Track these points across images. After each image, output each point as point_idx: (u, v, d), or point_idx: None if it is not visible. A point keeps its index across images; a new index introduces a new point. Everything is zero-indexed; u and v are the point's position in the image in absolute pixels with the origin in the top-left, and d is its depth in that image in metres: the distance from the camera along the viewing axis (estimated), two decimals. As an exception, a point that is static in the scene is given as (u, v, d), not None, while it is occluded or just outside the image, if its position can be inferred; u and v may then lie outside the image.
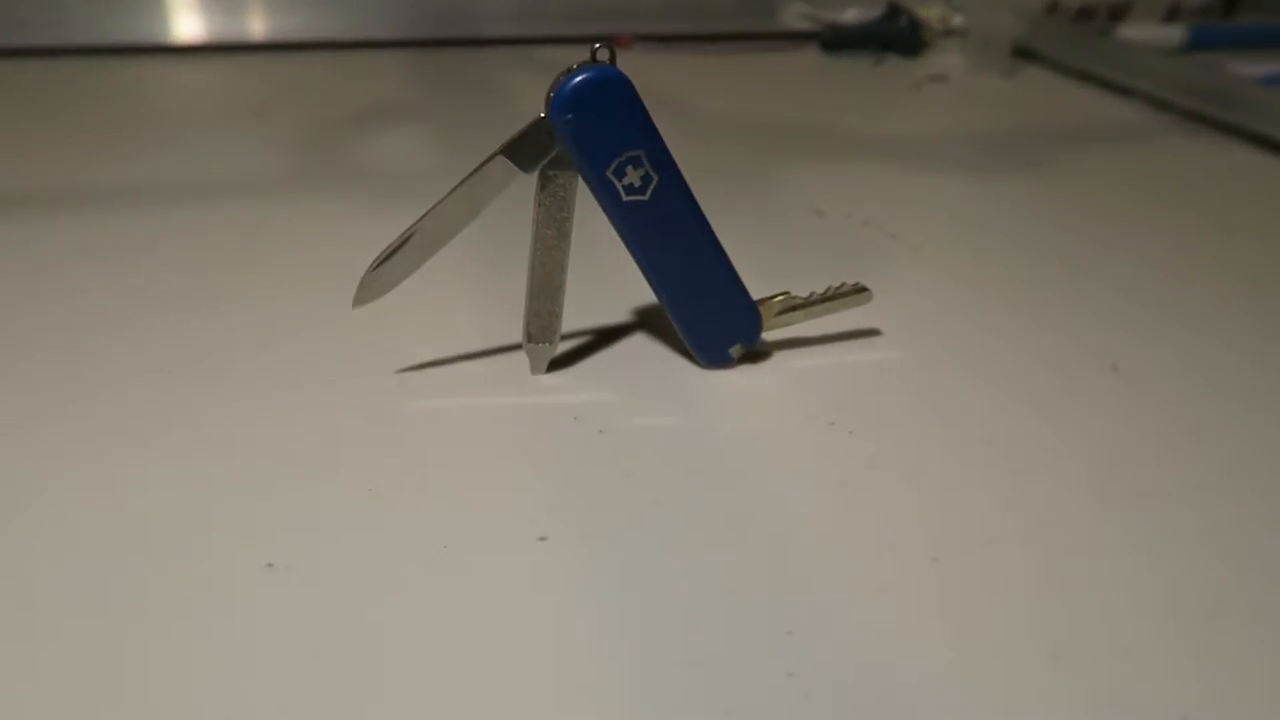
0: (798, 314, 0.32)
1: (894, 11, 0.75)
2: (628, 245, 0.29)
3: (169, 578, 0.22)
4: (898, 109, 0.64)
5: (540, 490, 0.26)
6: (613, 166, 0.27)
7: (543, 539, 0.24)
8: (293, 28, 0.74)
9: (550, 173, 0.28)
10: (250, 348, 0.31)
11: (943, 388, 0.31)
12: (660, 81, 0.67)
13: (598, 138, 0.27)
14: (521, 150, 0.27)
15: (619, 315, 0.34)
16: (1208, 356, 0.33)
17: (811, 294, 0.32)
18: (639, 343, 0.33)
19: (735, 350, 0.31)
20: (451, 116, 0.59)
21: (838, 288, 0.32)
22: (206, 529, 0.24)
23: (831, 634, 0.21)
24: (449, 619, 0.21)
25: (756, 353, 0.32)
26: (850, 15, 0.80)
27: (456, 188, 0.27)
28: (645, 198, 0.28)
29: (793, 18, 0.82)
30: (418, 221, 0.27)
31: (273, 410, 0.28)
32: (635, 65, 0.76)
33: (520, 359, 0.31)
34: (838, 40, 0.75)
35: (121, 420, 0.27)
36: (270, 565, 0.22)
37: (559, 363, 0.31)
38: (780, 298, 0.31)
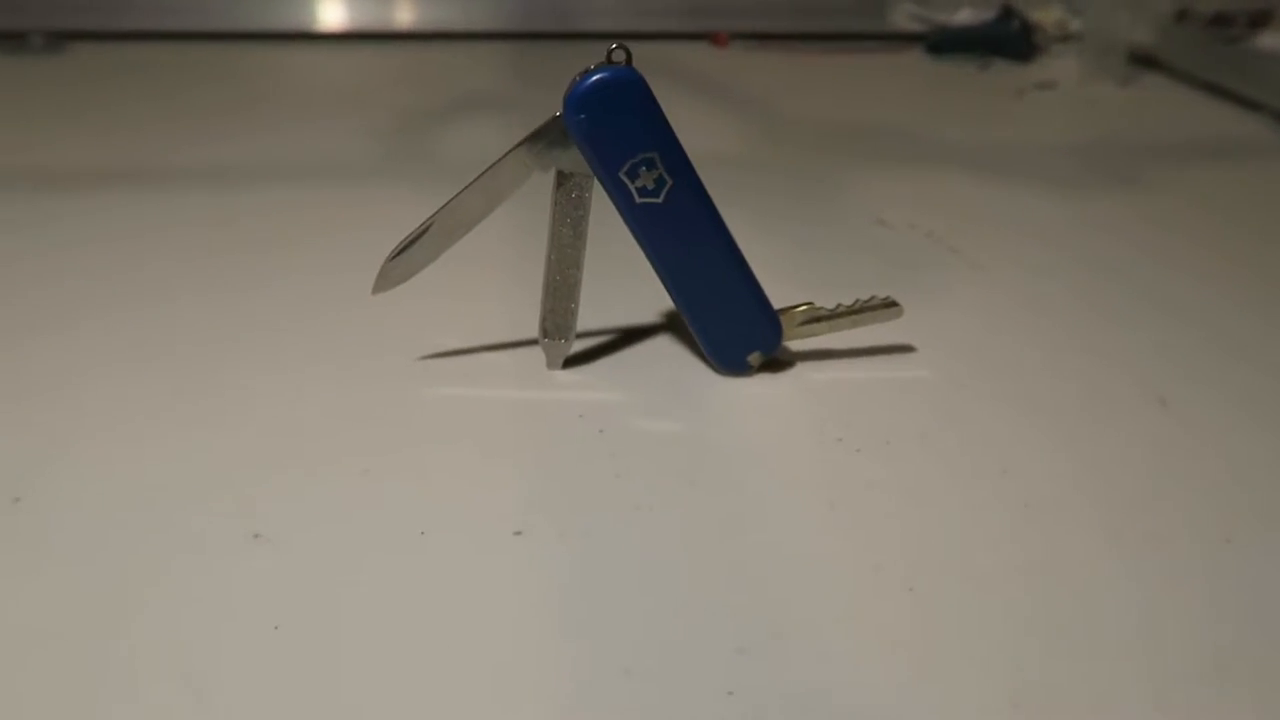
0: (822, 325, 0.31)
1: (1007, 14, 0.72)
2: (642, 247, 0.29)
3: (166, 536, 0.23)
4: (995, 116, 0.61)
5: (528, 485, 0.26)
6: (626, 168, 0.27)
7: (518, 533, 0.24)
8: (409, 19, 0.77)
9: (566, 172, 0.28)
10: (286, 327, 0.33)
11: (968, 412, 0.30)
12: (750, 79, 0.67)
13: (610, 139, 0.27)
14: (537, 148, 0.27)
15: (644, 315, 0.34)
16: (1271, 403, 0.30)
17: (838, 306, 0.31)
18: (660, 344, 0.33)
19: (754, 358, 0.31)
20: (535, 109, 0.60)
21: (867, 300, 0.31)
22: (207, 496, 0.25)
23: (784, 656, 0.21)
24: (407, 604, 0.22)
25: (778, 361, 0.32)
26: (963, 16, 0.77)
27: (474, 181, 0.28)
28: (659, 200, 0.28)
29: (902, 18, 0.80)
30: (436, 213, 0.28)
31: (293, 388, 0.29)
32: (727, 63, 0.76)
33: (541, 354, 0.31)
34: (944, 42, 0.73)
35: (152, 391, 0.29)
36: (257, 535, 0.24)
37: (578, 360, 0.31)
38: (804, 308, 0.31)
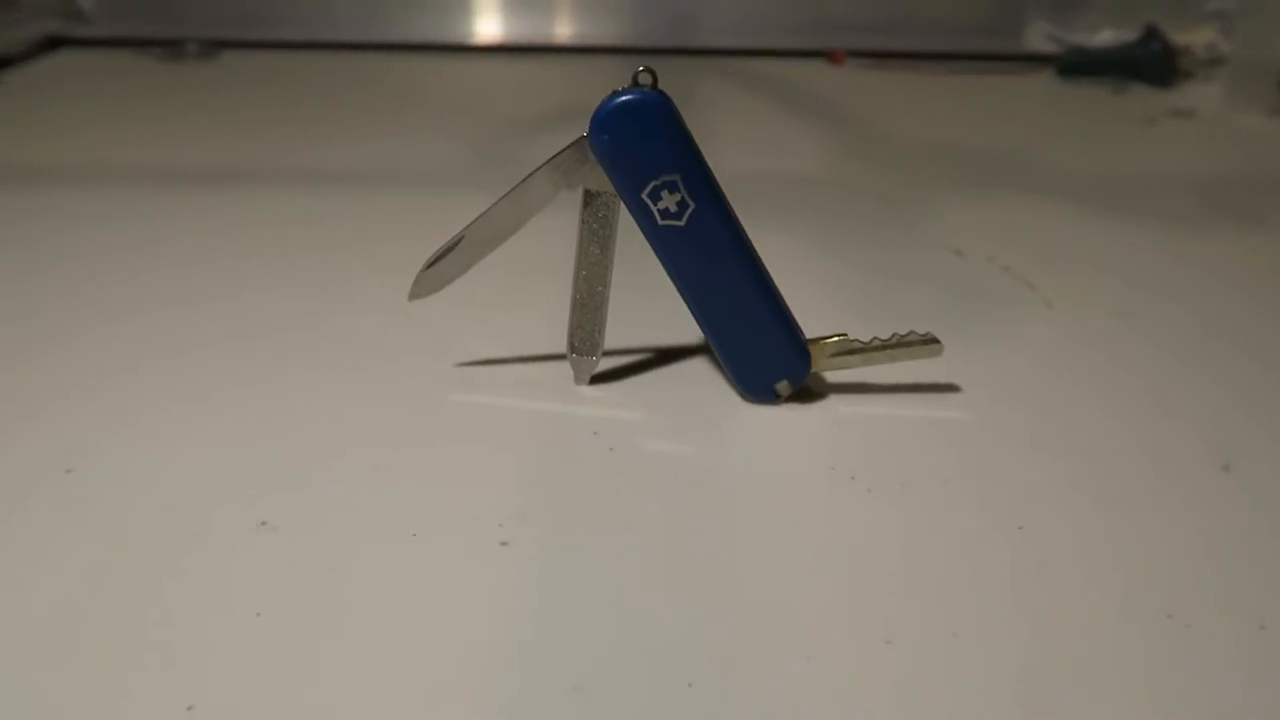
0: (854, 358, 0.30)
1: (1149, 36, 0.68)
2: (665, 269, 0.29)
3: (185, 514, 0.25)
4: (1118, 145, 0.58)
5: (526, 496, 0.26)
6: (648, 190, 0.27)
7: (504, 544, 0.25)
8: (541, 33, 0.79)
9: (593, 191, 0.28)
10: (334, 326, 0.34)
11: (999, 461, 0.28)
12: (859, 98, 0.65)
13: (633, 160, 0.27)
14: (564, 167, 0.28)
15: (681, 336, 0.34)
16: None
17: (873, 339, 0.30)
18: (693, 367, 0.32)
19: (782, 387, 0.30)
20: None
21: (905, 335, 0.30)
22: (227, 481, 0.26)
23: (734, 696, 0.20)
24: (380, 603, 0.23)
25: (809, 391, 0.31)
26: (1104, 37, 0.73)
27: (504, 197, 0.28)
28: (681, 224, 0.28)
29: (1037, 38, 0.76)
30: (469, 225, 0.29)
31: (329, 385, 0.31)
32: (839, 81, 0.75)
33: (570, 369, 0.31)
34: (1076, 64, 0.69)
35: (200, 379, 0.31)
36: (264, 523, 0.25)
37: (607, 376, 0.32)
38: (836, 339, 0.30)
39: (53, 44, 0.75)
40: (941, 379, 0.32)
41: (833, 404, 0.31)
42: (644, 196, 0.27)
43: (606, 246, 0.29)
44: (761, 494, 0.27)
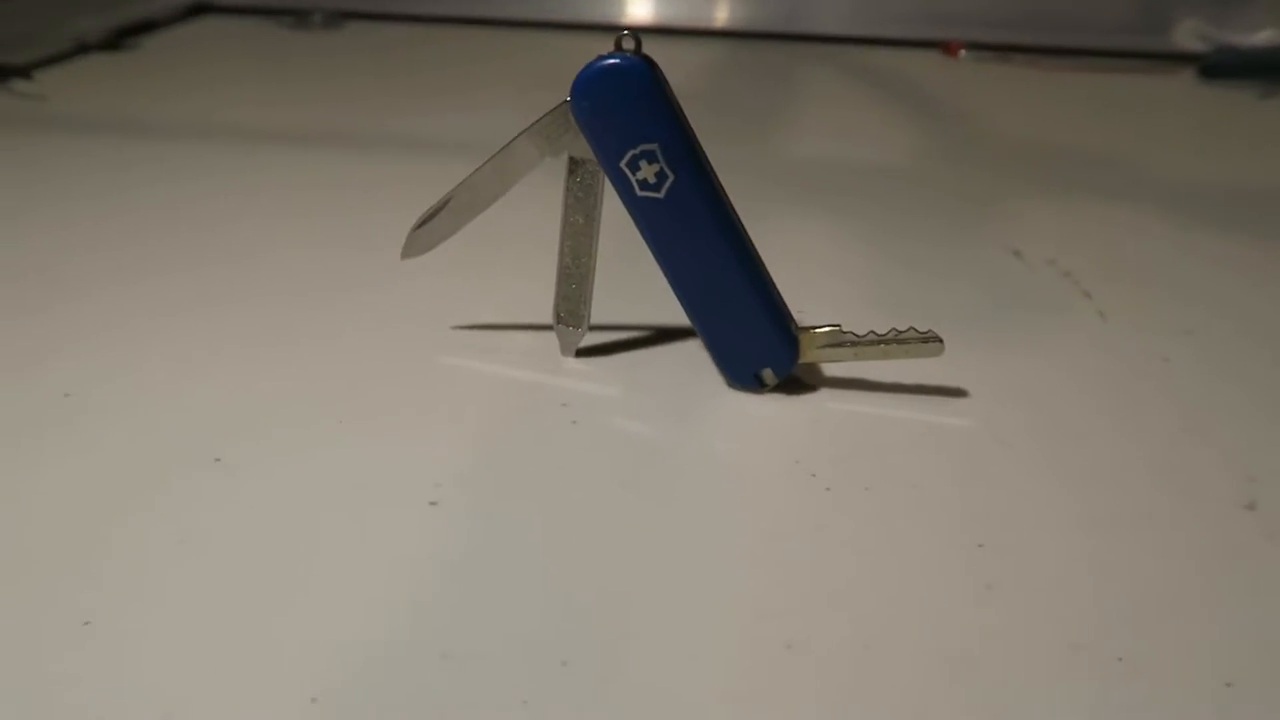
0: (845, 351, 0.28)
1: (1310, 36, 0.61)
2: (646, 243, 0.28)
3: (146, 446, 0.26)
4: (1245, 154, 0.52)
5: (470, 460, 0.26)
6: (626, 159, 0.26)
7: (433, 503, 0.24)
8: (645, 14, 0.78)
9: (577, 159, 0.27)
10: (355, 288, 0.35)
11: (984, 473, 0.26)
12: (965, 92, 0.62)
13: (612, 128, 0.26)
14: (546, 133, 0.27)
15: (683, 316, 0.32)
16: None
17: (869, 333, 0.28)
18: (687, 349, 0.31)
19: (767, 376, 0.29)
20: (732, 106, 0.59)
21: (904, 331, 0.28)
22: (196, 420, 0.27)
23: (606, 679, 0.20)
24: (301, 544, 0.23)
25: (801, 383, 0.29)
26: (1262, 37, 0.66)
27: (487, 162, 0.28)
28: (660, 196, 0.27)
29: (1186, 36, 0.70)
30: (454, 189, 0.29)
31: (327, 341, 0.32)
32: (950, 73, 0.72)
33: (562, 339, 0.31)
34: (1222, 65, 0.63)
35: (212, 331, 0.32)
36: (218, 460, 0.26)
37: (599, 350, 0.31)
38: (828, 329, 0.28)
39: (198, 10, 0.81)
40: (950, 382, 0.29)
41: (821, 398, 0.29)
42: (622, 166, 0.27)
43: (591, 216, 0.28)
44: (711, 483, 0.26)
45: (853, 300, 0.35)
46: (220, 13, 0.81)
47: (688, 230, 0.27)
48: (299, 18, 0.76)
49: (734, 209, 0.28)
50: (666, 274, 0.28)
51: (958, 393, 0.29)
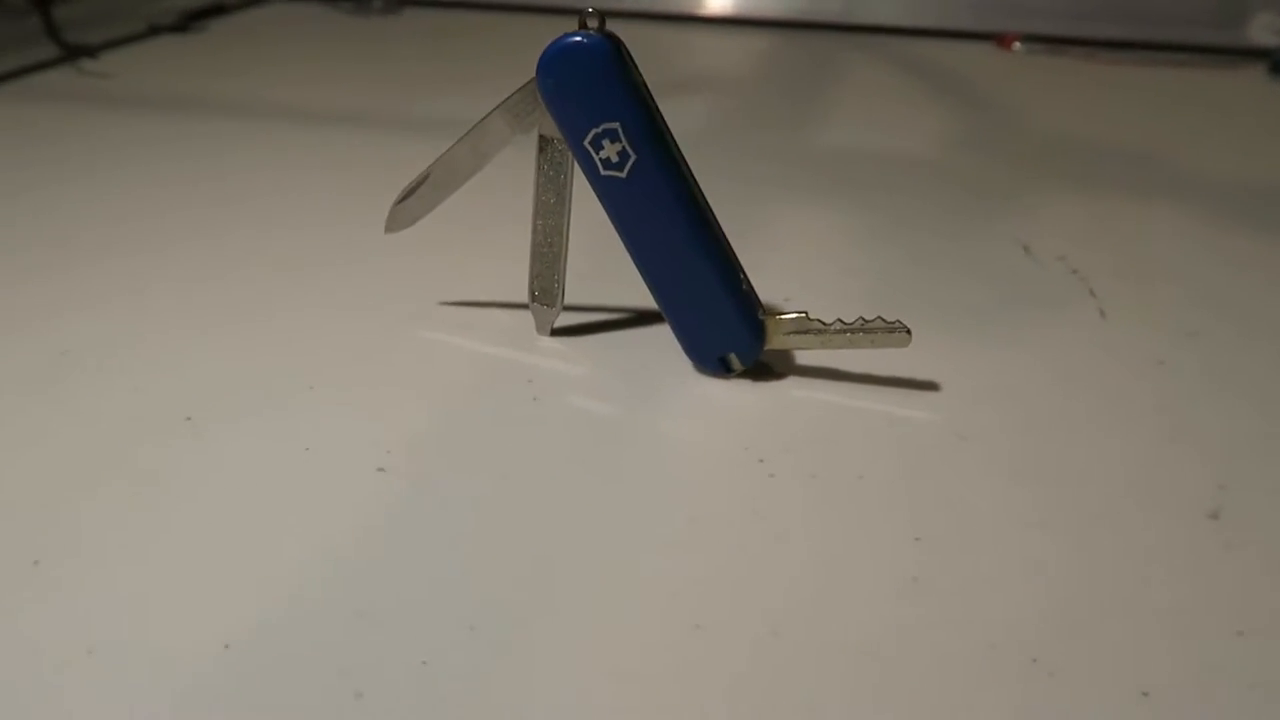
0: (810, 339, 0.28)
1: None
2: (612, 223, 0.28)
3: (122, 400, 0.27)
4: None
5: (424, 430, 0.27)
6: (589, 137, 0.26)
7: (381, 470, 0.25)
8: (687, 4, 0.78)
9: (547, 136, 0.28)
10: (356, 262, 0.36)
11: (936, 468, 0.25)
12: (1013, 86, 0.60)
13: (575, 106, 0.26)
14: (516, 110, 0.28)
15: (665, 301, 0.33)
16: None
17: (836, 320, 0.28)
18: (663, 331, 0.31)
19: (734, 361, 0.29)
20: (772, 94, 0.59)
21: (870, 320, 0.27)
22: (174, 380, 0.29)
23: (508, 645, 0.20)
24: (248, 500, 0.24)
25: (768, 370, 0.29)
26: (1345, 33, 0.63)
27: (461, 139, 0.29)
28: (622, 175, 0.27)
29: (1260, 31, 0.67)
30: (431, 165, 0.29)
31: (316, 311, 0.33)
32: (1000, 65, 0.71)
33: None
34: (1294, 62, 0.59)
35: (210, 300, 0.34)
36: (189, 419, 0.27)
37: (576, 330, 0.31)
38: (794, 316, 0.28)
39: (269, -4, 0.84)
40: (927, 375, 0.29)
41: (786, 385, 0.29)
42: (586, 144, 0.27)
43: (562, 194, 0.28)
44: (656, 464, 0.26)
45: (847, 289, 0.34)
46: (289, -2, 0.84)
47: (651, 211, 0.27)
48: (358, 3, 0.78)
49: (701, 192, 0.28)
50: (632, 255, 0.28)
51: (929, 386, 0.29)
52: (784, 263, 0.36)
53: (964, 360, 0.30)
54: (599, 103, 0.26)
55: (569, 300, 0.32)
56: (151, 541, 0.22)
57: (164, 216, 0.40)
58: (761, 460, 0.25)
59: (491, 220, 0.36)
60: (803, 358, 0.30)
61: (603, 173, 0.27)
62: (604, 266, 0.32)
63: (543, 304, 0.30)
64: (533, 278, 0.30)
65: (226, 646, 0.20)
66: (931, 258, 0.37)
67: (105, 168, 0.45)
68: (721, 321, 0.28)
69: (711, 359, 0.29)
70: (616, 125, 0.26)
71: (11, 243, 0.38)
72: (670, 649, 0.20)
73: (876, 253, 0.37)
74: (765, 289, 0.33)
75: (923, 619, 0.21)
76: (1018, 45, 0.66)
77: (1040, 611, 0.21)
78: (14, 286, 0.34)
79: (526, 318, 0.32)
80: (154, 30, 0.71)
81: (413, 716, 0.18)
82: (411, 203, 0.30)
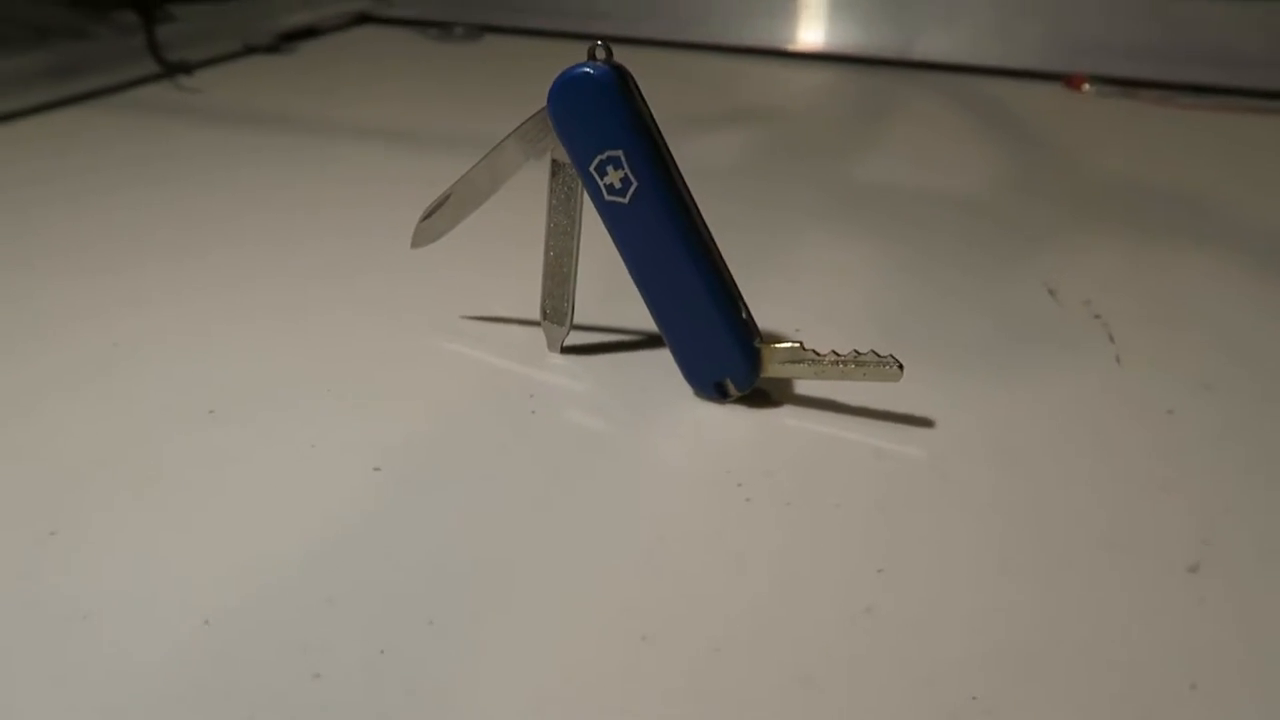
0: (804, 369, 0.28)
1: None
2: (616, 246, 0.29)
3: (156, 393, 0.30)
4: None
5: (421, 434, 0.28)
6: (594, 163, 0.28)
7: (376, 469, 0.26)
8: (766, 37, 0.79)
9: (559, 162, 0.29)
10: (389, 274, 0.38)
11: (913, 504, 0.25)
12: (1076, 127, 0.59)
13: (582, 133, 0.27)
14: (529, 136, 0.29)
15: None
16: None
17: (831, 352, 0.28)
18: (669, 355, 0.32)
19: (730, 386, 0.29)
20: (823, 126, 0.59)
21: (863, 354, 0.28)
22: (202, 377, 0.31)
23: (468, 639, 0.21)
24: (251, 488, 0.25)
25: (765, 396, 0.30)
26: None
27: (480, 161, 0.30)
28: (625, 200, 0.28)
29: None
30: (452, 185, 0.31)
31: (346, 317, 0.34)
32: (1064, 106, 0.70)
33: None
34: (1380, 111, 0.57)
35: (242, 304, 0.36)
36: (212, 411, 0.29)
37: (584, 348, 0.32)
38: (789, 346, 0.28)
39: (361, 20, 0.88)
40: (924, 411, 0.29)
41: (780, 413, 0.29)
42: (592, 170, 0.28)
43: (572, 217, 0.30)
44: (637, 481, 0.26)
45: (861, 322, 0.35)
46: (379, 23, 0.87)
47: (650, 236, 0.28)
48: (444, 29, 0.82)
49: (702, 220, 0.28)
50: (633, 278, 0.29)
51: (924, 422, 0.29)
52: (803, 293, 0.37)
53: (965, 398, 0.30)
54: (603, 130, 0.27)
55: (585, 321, 0.33)
56: (154, 520, 0.24)
57: (219, 223, 0.43)
58: (740, 484, 0.26)
59: (520, 239, 0.37)
60: (802, 387, 0.30)
61: (606, 198, 0.28)
62: (619, 289, 0.32)
63: (553, 322, 0.32)
64: (544, 297, 0.31)
65: (206, 622, 0.21)
66: (954, 295, 0.37)
67: (184, 175, 0.49)
68: (717, 347, 0.29)
69: (708, 384, 0.29)
70: (619, 152, 0.27)
71: (90, 239, 0.41)
72: (615, 657, 0.21)
73: (899, 287, 0.38)
74: (779, 319, 0.34)
75: (868, 649, 0.21)
76: (1087, 86, 0.65)
77: (990, 651, 0.21)
78: (85, 279, 0.37)
79: (540, 334, 0.33)
80: (249, 50, 0.75)
81: (363, 700, 0.20)
82: (435, 220, 0.32)
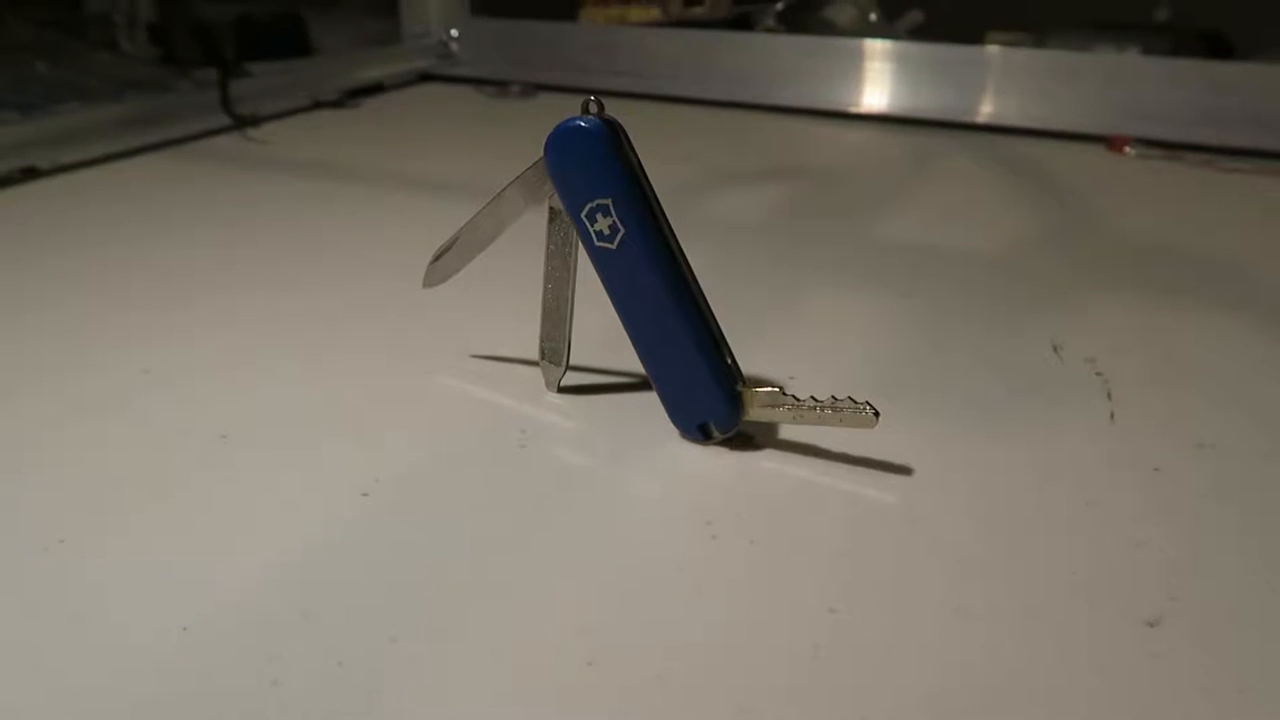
0: (783, 413, 0.29)
1: None
2: (605, 291, 0.30)
3: (172, 412, 0.32)
4: None
5: (416, 465, 0.29)
6: (585, 210, 0.29)
7: (364, 494, 0.28)
8: (812, 98, 0.80)
9: (555, 209, 0.30)
10: (405, 314, 0.40)
11: (876, 549, 0.26)
12: (1109, 189, 0.59)
13: (574, 181, 0.29)
14: (528, 184, 0.31)
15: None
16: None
17: (809, 397, 0.29)
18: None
19: (713, 429, 0.30)
20: (857, 183, 0.60)
21: (840, 400, 0.28)
22: (225, 405, 0.33)
23: (420, 660, 0.22)
24: (243, 499, 0.27)
25: (748, 439, 0.30)
26: None
27: (485, 207, 0.32)
28: (613, 247, 0.29)
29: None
30: (460, 229, 0.33)
31: (357, 354, 0.36)
32: (1104, 168, 0.70)
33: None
34: None
35: (264, 340, 0.38)
36: (224, 437, 0.31)
37: (581, 389, 0.34)
38: (768, 390, 0.29)
39: (424, 78, 0.92)
40: (901, 459, 0.29)
41: (760, 456, 0.30)
42: (583, 216, 0.29)
43: (568, 262, 0.31)
44: (609, 515, 0.27)
45: (856, 372, 0.35)
46: (441, 81, 0.92)
47: (637, 281, 0.29)
48: (500, 87, 0.85)
49: (689, 268, 0.30)
50: (622, 321, 0.30)
51: (902, 470, 0.29)
52: (802, 343, 0.37)
53: (949, 449, 0.30)
54: (594, 179, 0.29)
55: (586, 363, 0.34)
56: (153, 532, 0.26)
57: (273, 262, 0.45)
58: (709, 522, 0.27)
59: (531, 282, 0.39)
60: (786, 432, 0.31)
61: (596, 244, 0.29)
62: (619, 334, 0.34)
63: (551, 363, 0.33)
64: (543, 338, 0.33)
65: (184, 629, 0.23)
66: (956, 347, 0.37)
67: (239, 219, 0.52)
68: (700, 390, 0.29)
69: (692, 425, 0.30)
70: (609, 201, 0.29)
71: (143, 275, 0.44)
72: (560, 681, 0.21)
73: (902, 339, 0.38)
74: (776, 366, 0.34)
75: (809, 684, 0.21)
76: (1130, 149, 0.64)
77: (930, 693, 0.21)
78: (132, 312, 0.40)
79: (540, 374, 0.34)
80: (316, 104, 0.80)
81: (314, 708, 0.21)
82: (443, 262, 0.34)
